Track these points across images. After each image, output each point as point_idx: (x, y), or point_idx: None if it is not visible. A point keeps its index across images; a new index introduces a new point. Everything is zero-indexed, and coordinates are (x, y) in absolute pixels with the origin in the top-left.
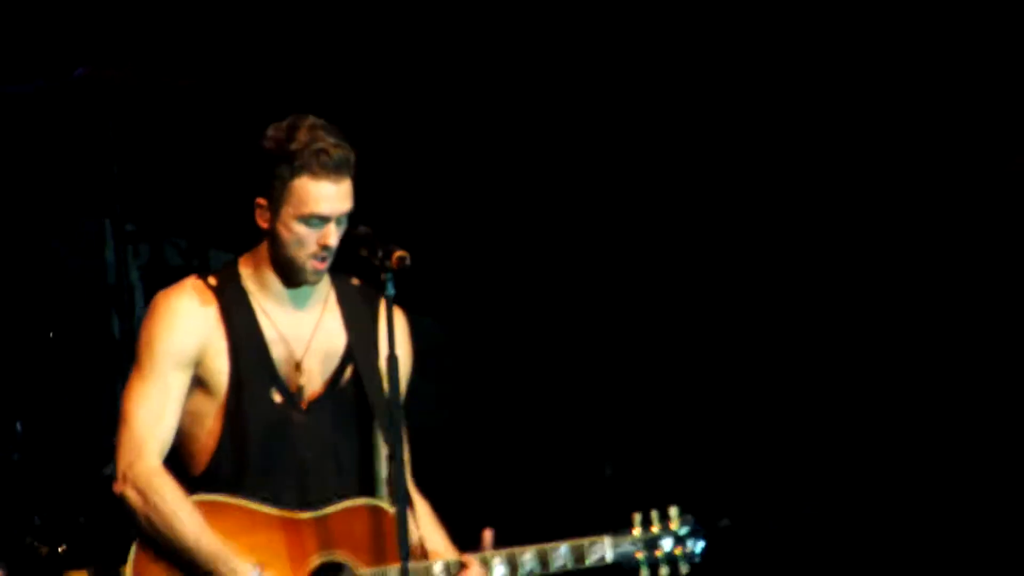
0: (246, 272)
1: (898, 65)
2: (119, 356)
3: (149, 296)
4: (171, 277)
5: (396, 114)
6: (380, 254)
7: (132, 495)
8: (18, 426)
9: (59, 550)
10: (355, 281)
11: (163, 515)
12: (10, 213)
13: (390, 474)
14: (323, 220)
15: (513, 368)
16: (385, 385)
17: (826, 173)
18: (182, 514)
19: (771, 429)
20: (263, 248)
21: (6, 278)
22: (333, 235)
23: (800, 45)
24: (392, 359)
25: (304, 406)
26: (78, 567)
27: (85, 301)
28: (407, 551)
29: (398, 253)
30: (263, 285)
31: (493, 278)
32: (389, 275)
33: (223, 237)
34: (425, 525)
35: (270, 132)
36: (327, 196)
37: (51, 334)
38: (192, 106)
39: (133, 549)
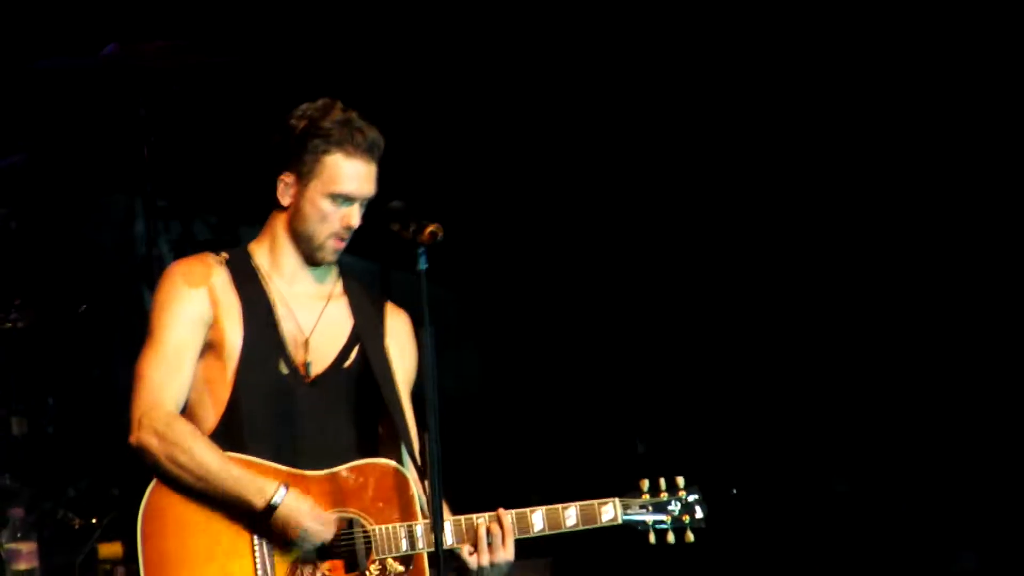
0: (258, 253)
1: (899, 59)
2: None
3: None
4: (201, 251)
5: (423, 90)
6: (412, 228)
7: (149, 438)
8: (50, 400)
9: (92, 522)
10: (360, 284)
11: (185, 448)
12: (42, 187)
13: (420, 444)
14: (349, 200)
15: (548, 346)
16: (393, 366)
17: (830, 163)
18: (203, 444)
19: (799, 405)
20: (277, 227)
21: (38, 253)
22: (356, 216)
23: (801, 35)
24: (429, 331)
25: (309, 382)
26: (111, 539)
27: (116, 276)
28: (440, 521)
29: (430, 227)
30: (275, 265)
31: (528, 255)
32: (421, 249)
33: (253, 213)
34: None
35: (301, 110)
36: (357, 175)
37: (82, 308)
38: (223, 82)
39: (149, 489)
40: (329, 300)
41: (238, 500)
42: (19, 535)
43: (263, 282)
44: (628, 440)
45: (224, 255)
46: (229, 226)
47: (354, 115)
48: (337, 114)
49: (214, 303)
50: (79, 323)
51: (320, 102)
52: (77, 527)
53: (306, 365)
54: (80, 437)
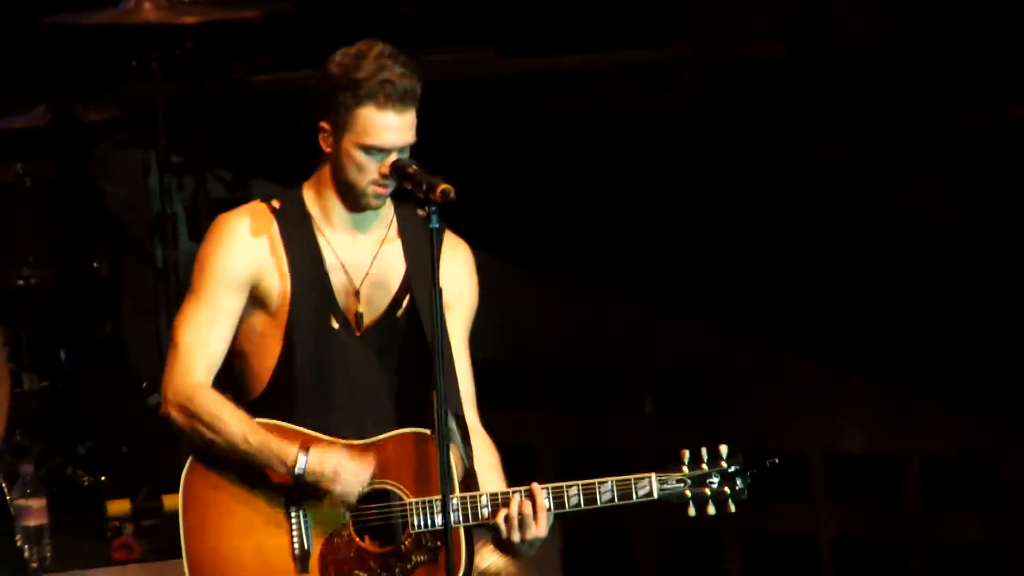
0: (309, 197)
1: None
2: (163, 286)
3: (192, 227)
4: (214, 208)
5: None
6: (424, 187)
7: (174, 413)
8: (62, 355)
9: (101, 480)
10: (421, 212)
11: (206, 421)
12: (56, 143)
13: (439, 406)
14: (384, 151)
15: (553, 303)
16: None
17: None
18: (224, 415)
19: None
20: (325, 172)
21: (53, 208)
22: None
23: None
24: (436, 291)
25: (360, 334)
26: (119, 497)
27: (129, 231)
28: (448, 478)
29: (442, 186)
30: (325, 210)
31: (537, 214)
32: (434, 208)
33: (267, 169)
34: (484, 468)
35: (338, 57)
36: (390, 127)
37: (95, 264)
38: (238, 38)
39: (188, 463)
40: (382, 244)
41: (264, 470)
42: (28, 491)
43: (313, 231)
44: (636, 398)
45: (276, 202)
46: (242, 182)
47: (388, 62)
48: (370, 63)
49: (260, 260)
50: (92, 279)
51: (355, 48)
52: (86, 484)
53: (357, 316)
54: (91, 394)
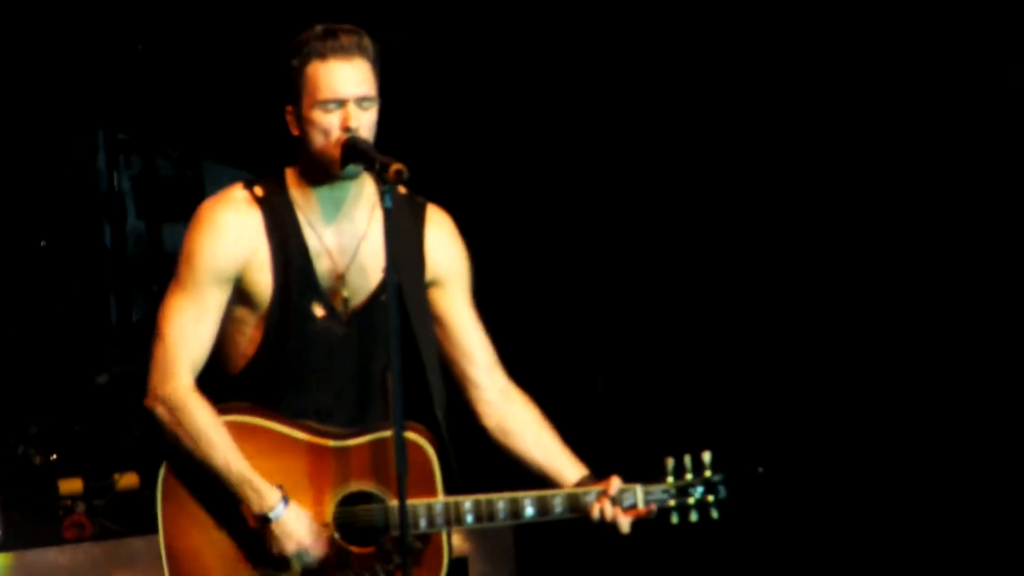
0: (292, 184)
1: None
2: (110, 264)
3: (140, 206)
4: (163, 187)
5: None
6: (377, 166)
7: (162, 412)
8: (11, 334)
9: (52, 458)
10: (402, 190)
11: (192, 436)
12: (4, 121)
13: (396, 398)
14: (340, 103)
15: (507, 281)
16: (426, 297)
17: (818, 90)
18: (211, 435)
19: (770, 346)
20: (301, 158)
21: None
22: (354, 116)
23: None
24: (390, 270)
25: (346, 319)
26: (71, 475)
27: (77, 210)
28: (404, 472)
29: (395, 166)
30: (307, 197)
31: (489, 188)
32: (386, 188)
33: (216, 148)
34: (537, 430)
35: (289, 45)
36: (339, 76)
37: (43, 242)
38: (188, 17)
39: (163, 469)
40: (368, 226)
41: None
42: None
43: (297, 217)
44: (589, 378)
45: (259, 190)
46: (192, 161)
47: (332, 25)
48: (315, 30)
49: (246, 253)
50: (40, 257)
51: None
52: (38, 463)
53: (344, 301)
54: (41, 373)
